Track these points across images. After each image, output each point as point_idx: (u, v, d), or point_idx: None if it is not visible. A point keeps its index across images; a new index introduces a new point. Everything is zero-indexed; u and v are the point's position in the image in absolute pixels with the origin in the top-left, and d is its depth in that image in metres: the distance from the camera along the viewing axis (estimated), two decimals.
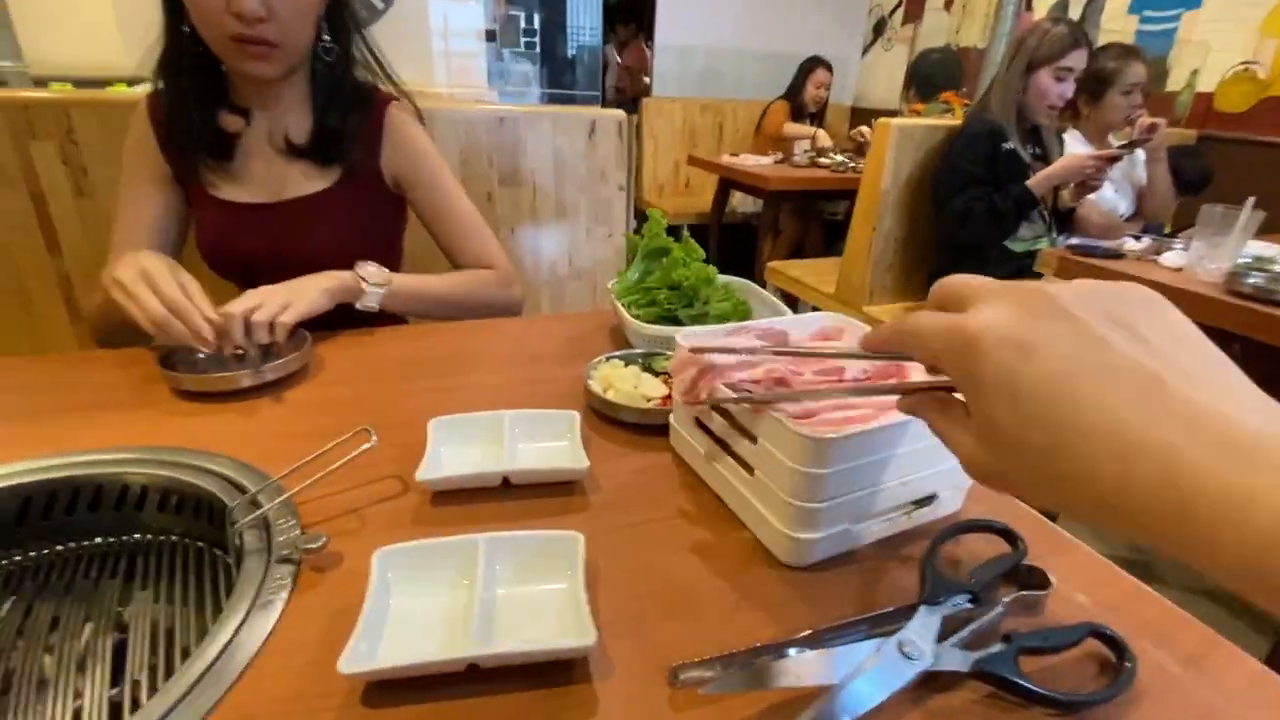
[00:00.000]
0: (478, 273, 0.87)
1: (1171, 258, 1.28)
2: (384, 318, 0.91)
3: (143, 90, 1.15)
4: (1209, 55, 2.31)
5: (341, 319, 0.82)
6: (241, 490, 0.43)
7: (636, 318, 0.69)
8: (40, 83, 1.77)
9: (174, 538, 0.47)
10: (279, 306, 0.64)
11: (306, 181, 0.80)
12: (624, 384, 0.57)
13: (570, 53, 4.89)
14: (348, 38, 0.80)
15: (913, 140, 1.80)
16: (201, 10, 0.68)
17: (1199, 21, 2.34)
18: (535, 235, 1.37)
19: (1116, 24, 2.62)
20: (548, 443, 0.52)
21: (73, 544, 0.46)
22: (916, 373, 0.45)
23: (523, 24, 4.91)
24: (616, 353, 0.63)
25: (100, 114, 1.03)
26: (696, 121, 3.81)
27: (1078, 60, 1.63)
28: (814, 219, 3.39)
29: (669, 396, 0.56)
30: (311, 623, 0.34)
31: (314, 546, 0.38)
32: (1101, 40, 2.54)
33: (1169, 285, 1.18)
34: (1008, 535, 0.41)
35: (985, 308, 0.24)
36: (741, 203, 3.38)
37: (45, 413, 0.57)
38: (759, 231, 2.79)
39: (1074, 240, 1.84)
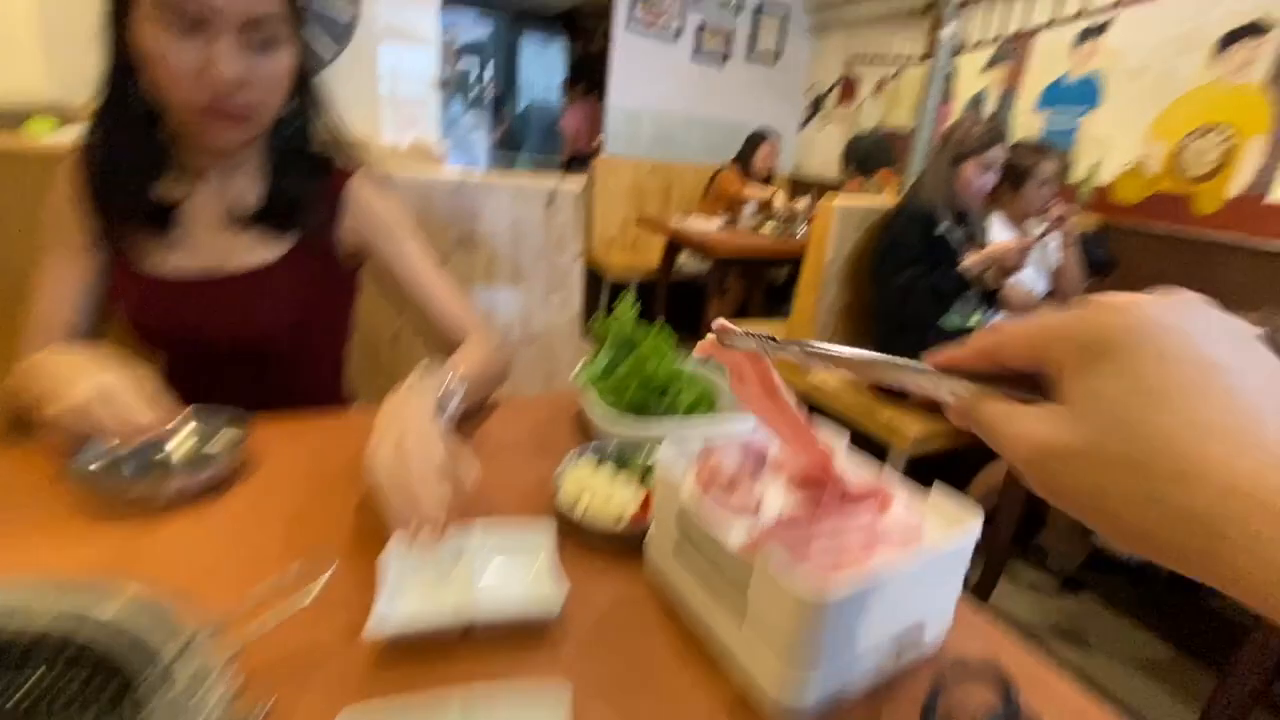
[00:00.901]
0: (481, 343, 0.78)
1: None
2: (321, 396, 0.85)
3: (62, 139, 1.07)
4: (1106, 151, 2.58)
5: (276, 395, 0.76)
6: (167, 634, 0.37)
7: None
8: (16, 116, 1.63)
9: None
10: (438, 491, 0.48)
11: (254, 253, 0.74)
12: (597, 494, 0.54)
13: (521, 109, 4.97)
14: (312, 107, 0.76)
15: (853, 219, 1.90)
16: (170, 76, 0.62)
17: (1097, 121, 2.62)
18: (489, 300, 1.34)
19: (1026, 120, 2.89)
20: (519, 568, 0.48)
21: None
22: (900, 506, 0.45)
23: (473, 78, 4.97)
24: (589, 447, 0.60)
25: (12, 164, 0.94)
26: (645, 182, 3.91)
27: (998, 154, 1.78)
28: (757, 281, 3.51)
29: (646, 503, 0.53)
30: None
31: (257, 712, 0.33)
32: (1014, 133, 2.79)
33: None
34: (1001, 682, 0.40)
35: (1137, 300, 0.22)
36: (688, 261, 3.46)
37: None
38: (706, 292, 2.85)
39: (1000, 317, 1.96)
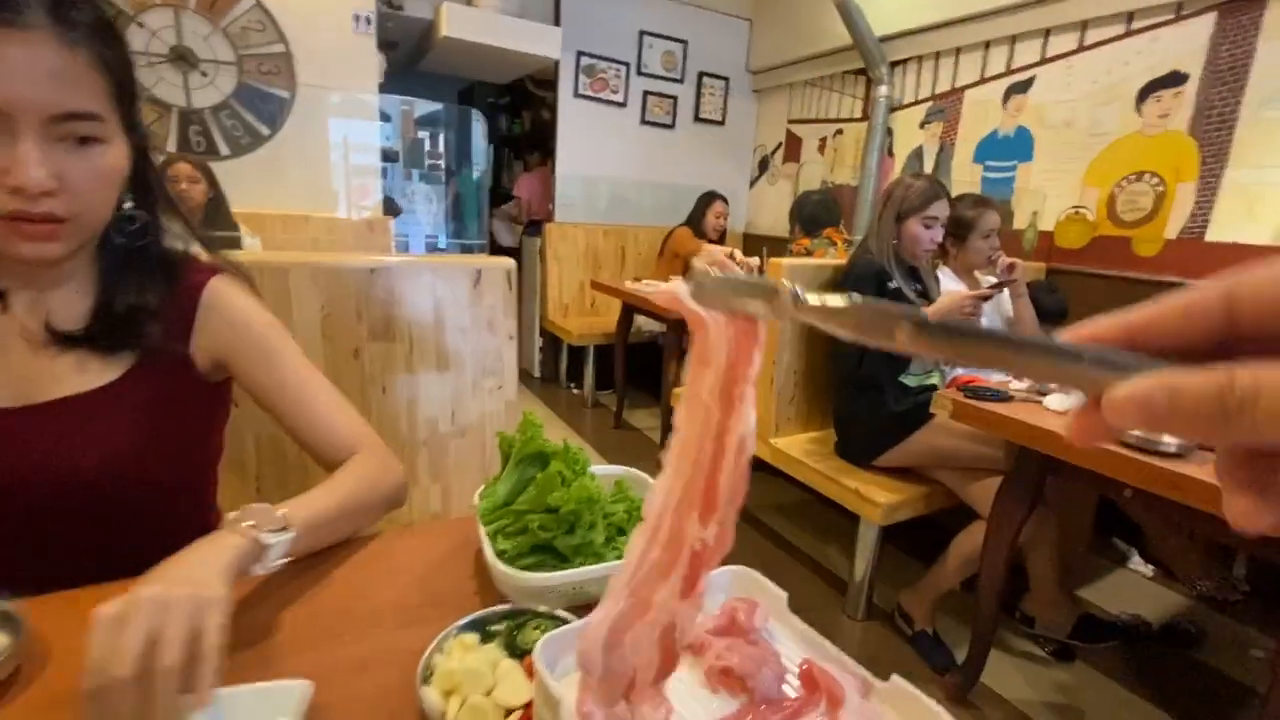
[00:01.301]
0: (359, 465, 0.69)
1: (1054, 401, 1.32)
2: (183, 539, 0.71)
3: None
4: (1045, 200, 2.63)
5: (123, 549, 0.62)
6: None
7: (503, 553, 0.56)
8: None
9: None
10: (185, 638, 0.41)
11: (78, 377, 0.62)
12: (475, 685, 0.42)
13: (475, 177, 4.97)
14: (155, 205, 0.66)
15: (804, 278, 1.86)
16: None
17: (1033, 171, 2.68)
18: (411, 390, 1.22)
19: (964, 173, 2.95)
20: None
21: None
22: (852, 709, 0.34)
23: (427, 147, 4.98)
24: (471, 619, 0.48)
25: None
26: (600, 245, 3.89)
27: (940, 209, 1.77)
28: None
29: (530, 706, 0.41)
30: None
31: None
32: (953, 187, 2.85)
33: (1057, 432, 1.20)
34: None
35: None
36: (647, 323, 3.40)
37: None
38: (664, 354, 2.78)
39: (959, 371, 1.92)
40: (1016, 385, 1.45)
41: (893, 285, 1.76)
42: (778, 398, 1.91)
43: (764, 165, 4.26)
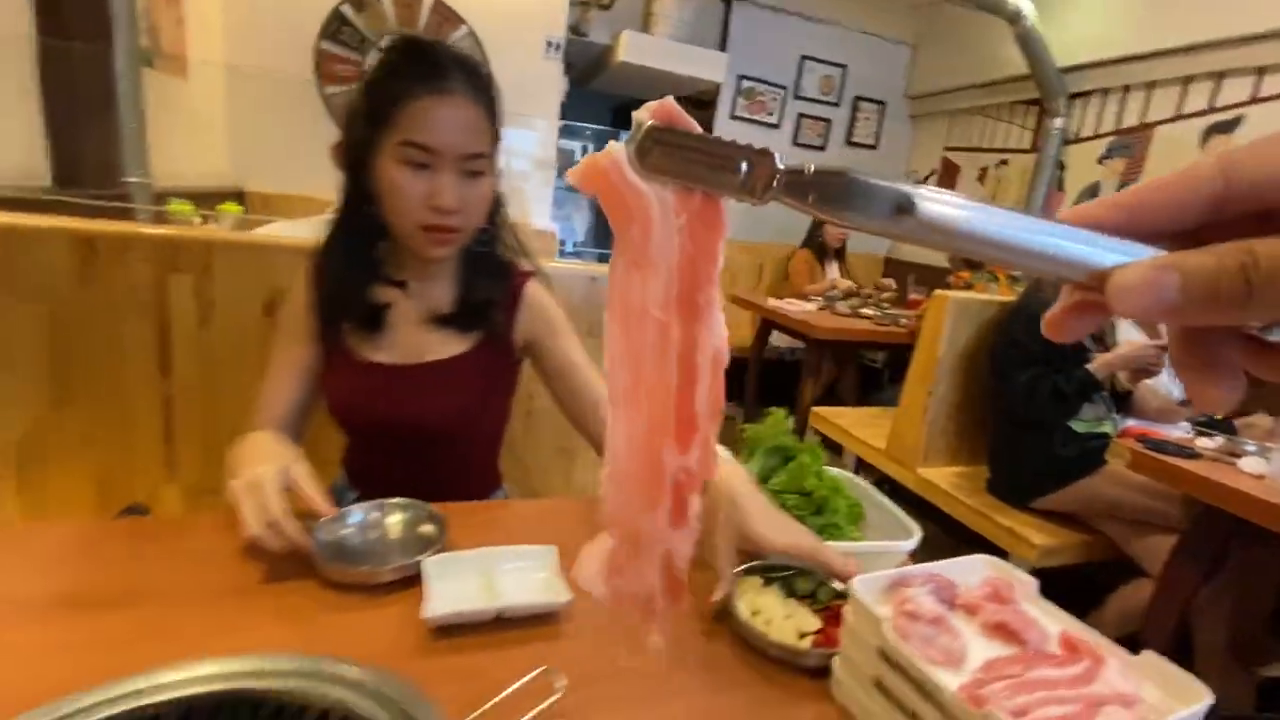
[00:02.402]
0: None
1: (1251, 464, 1.27)
2: (481, 479, 0.93)
3: (276, 231, 1.25)
4: None
5: (446, 478, 0.83)
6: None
7: None
8: (161, 196, 1.93)
9: None
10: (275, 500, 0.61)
11: (444, 346, 0.84)
12: (774, 614, 0.56)
13: None
14: (500, 222, 0.87)
15: (968, 313, 1.87)
16: (401, 200, 0.74)
17: None
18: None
19: None
20: (529, 576, 0.60)
21: None
22: (1114, 671, 0.44)
23: (576, 157, 5.33)
24: (754, 566, 0.62)
25: (238, 254, 1.11)
26: (737, 259, 4.01)
27: None
28: (850, 362, 3.46)
29: (824, 631, 0.54)
30: None
31: None
32: None
33: (1252, 494, 1.17)
34: None
35: None
36: (777, 339, 3.47)
37: (194, 597, 0.57)
38: (801, 373, 2.84)
39: (1131, 422, 1.84)
40: (1204, 443, 1.40)
41: None
42: (929, 428, 1.93)
43: None
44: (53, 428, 1.09)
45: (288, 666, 0.47)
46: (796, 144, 4.01)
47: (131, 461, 1.15)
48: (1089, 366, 1.64)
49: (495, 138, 0.80)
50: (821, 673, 0.52)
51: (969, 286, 2.53)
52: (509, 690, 0.43)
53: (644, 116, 0.21)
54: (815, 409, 2.50)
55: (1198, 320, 0.17)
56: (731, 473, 0.63)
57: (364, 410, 0.83)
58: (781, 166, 0.20)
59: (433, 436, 0.84)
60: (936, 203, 0.19)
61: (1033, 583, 0.53)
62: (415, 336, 0.83)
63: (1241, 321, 0.18)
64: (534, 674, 0.44)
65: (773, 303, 2.99)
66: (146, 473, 1.15)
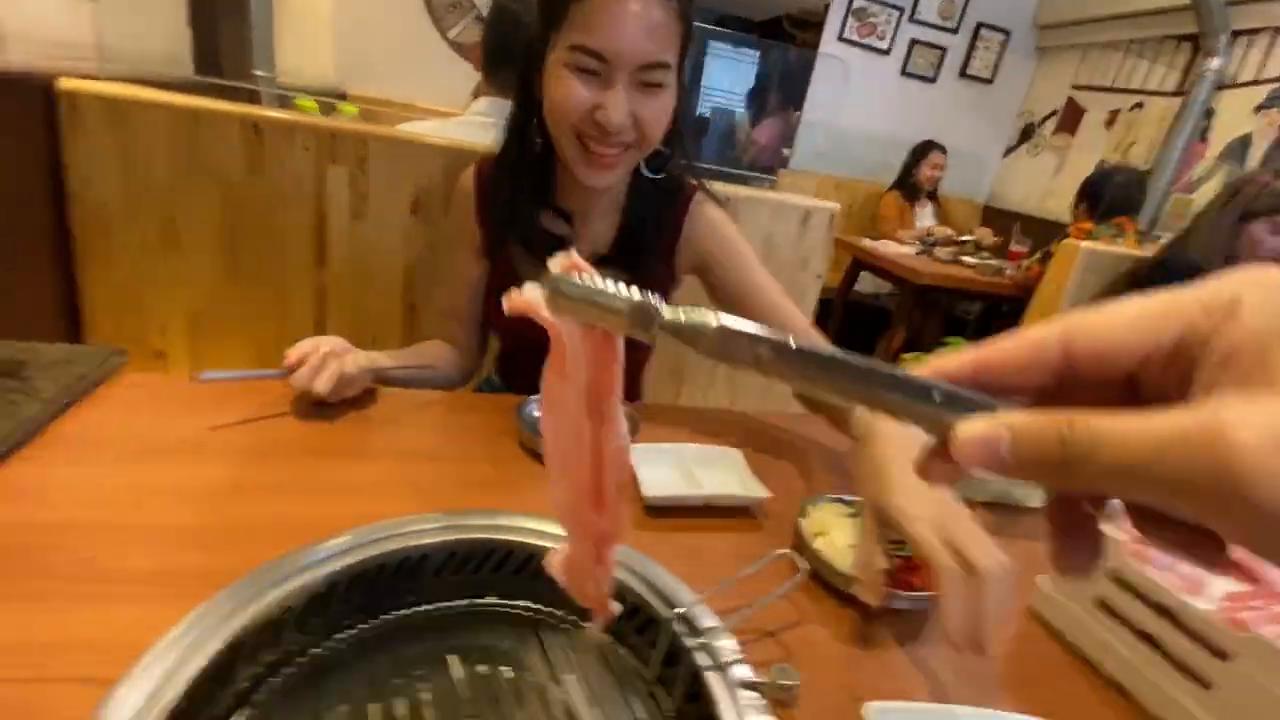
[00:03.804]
0: None
1: None
2: (628, 395, 0.96)
3: (424, 127, 1.27)
4: None
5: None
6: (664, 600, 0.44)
7: None
8: (285, 95, 1.97)
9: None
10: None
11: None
12: (841, 536, 0.54)
13: (702, 113, 5.04)
14: (678, 145, 0.80)
15: (1099, 265, 1.76)
16: (561, 113, 0.68)
17: None
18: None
19: None
20: (724, 472, 0.64)
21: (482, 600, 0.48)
22: None
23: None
24: (843, 496, 0.60)
25: (391, 149, 1.13)
26: (830, 198, 3.84)
27: None
28: (937, 311, 3.34)
29: (905, 572, 0.51)
30: None
31: (788, 684, 0.39)
32: None
33: None
34: None
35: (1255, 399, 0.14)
36: (860, 282, 3.36)
37: (429, 459, 0.63)
38: (891, 319, 2.77)
39: None
40: None
41: None
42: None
43: (1027, 133, 3.88)
44: (221, 304, 1.17)
45: (523, 523, 0.50)
46: (905, 74, 3.74)
47: (285, 345, 1.23)
48: None
49: (684, 43, 0.70)
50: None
51: (1090, 238, 2.37)
52: (753, 568, 0.46)
53: (554, 266, 0.25)
54: (907, 358, 2.44)
55: (1030, 481, 0.17)
56: (891, 434, 0.53)
57: (518, 334, 0.84)
58: (662, 316, 0.22)
59: None
60: (793, 353, 0.20)
61: None
62: None
63: (1066, 489, 0.19)
64: (774, 555, 0.46)
65: (868, 243, 2.88)
66: None
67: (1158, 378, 0.17)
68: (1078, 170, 3.27)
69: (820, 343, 0.21)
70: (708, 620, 0.42)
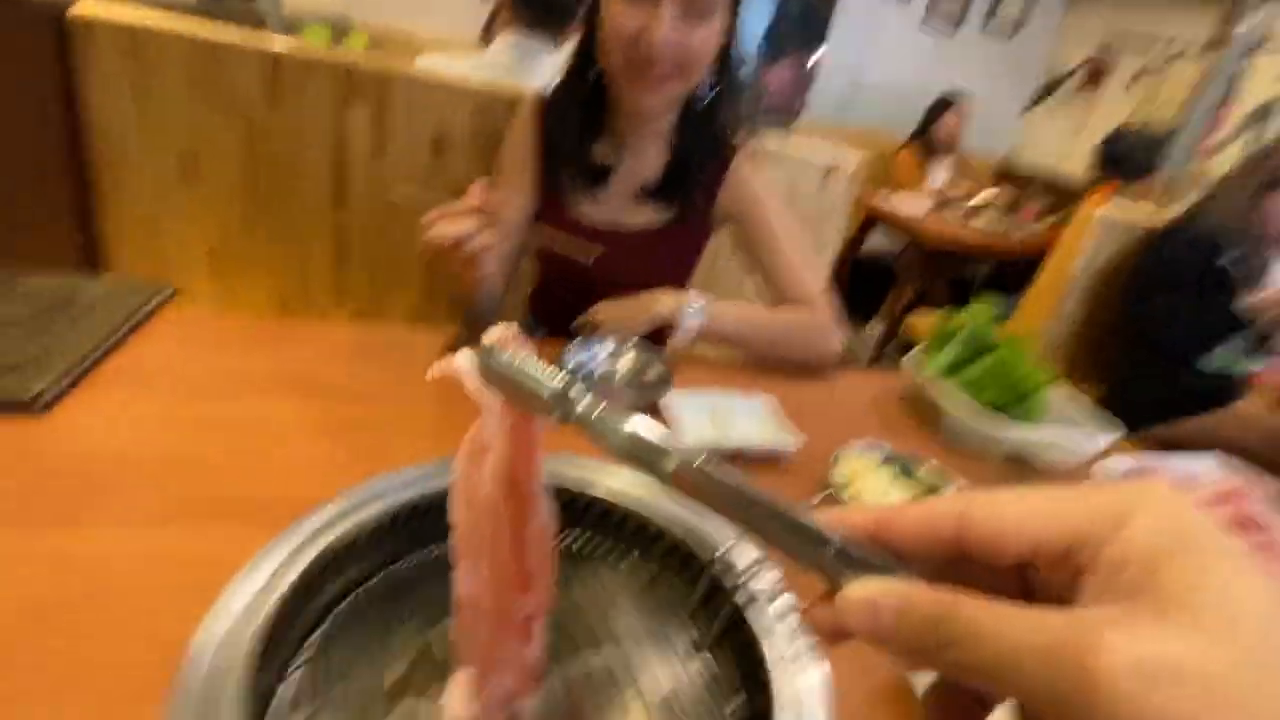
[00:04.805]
0: (793, 311, 0.84)
1: None
2: None
3: (443, 63, 1.23)
4: None
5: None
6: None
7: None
8: (291, 23, 1.90)
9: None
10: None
11: (644, 217, 0.84)
12: (872, 485, 0.57)
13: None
14: (727, 85, 0.81)
15: (1116, 231, 1.75)
16: (611, 35, 0.71)
17: None
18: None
19: None
20: (754, 421, 0.65)
21: None
22: None
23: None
24: (878, 445, 0.63)
25: (412, 87, 1.11)
26: (844, 150, 3.76)
27: None
28: (945, 273, 3.32)
29: None
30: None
31: None
32: None
33: None
34: None
35: (1121, 622, 0.14)
36: (881, 240, 3.32)
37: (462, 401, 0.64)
38: (897, 279, 2.76)
39: (1267, 365, 1.76)
40: None
41: (1221, 261, 1.61)
42: (1045, 348, 1.88)
43: (1050, 89, 3.78)
44: (240, 244, 1.17)
45: (569, 464, 0.52)
46: (926, 22, 3.60)
47: (306, 285, 1.23)
48: (1241, 303, 1.55)
49: None
50: None
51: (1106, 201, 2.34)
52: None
53: (490, 338, 0.24)
54: (912, 317, 2.46)
55: (902, 658, 0.17)
56: None
57: (563, 264, 0.85)
58: (578, 411, 0.22)
59: (625, 296, 0.87)
60: (699, 474, 0.20)
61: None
62: (617, 202, 0.84)
63: (938, 671, 0.17)
64: (822, 495, 0.49)
65: (881, 198, 2.84)
66: (319, 297, 1.24)
67: (1048, 573, 0.17)
68: (1099, 131, 3.20)
69: (731, 473, 0.20)
70: (748, 556, 0.45)
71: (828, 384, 0.85)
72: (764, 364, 0.83)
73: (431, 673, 0.38)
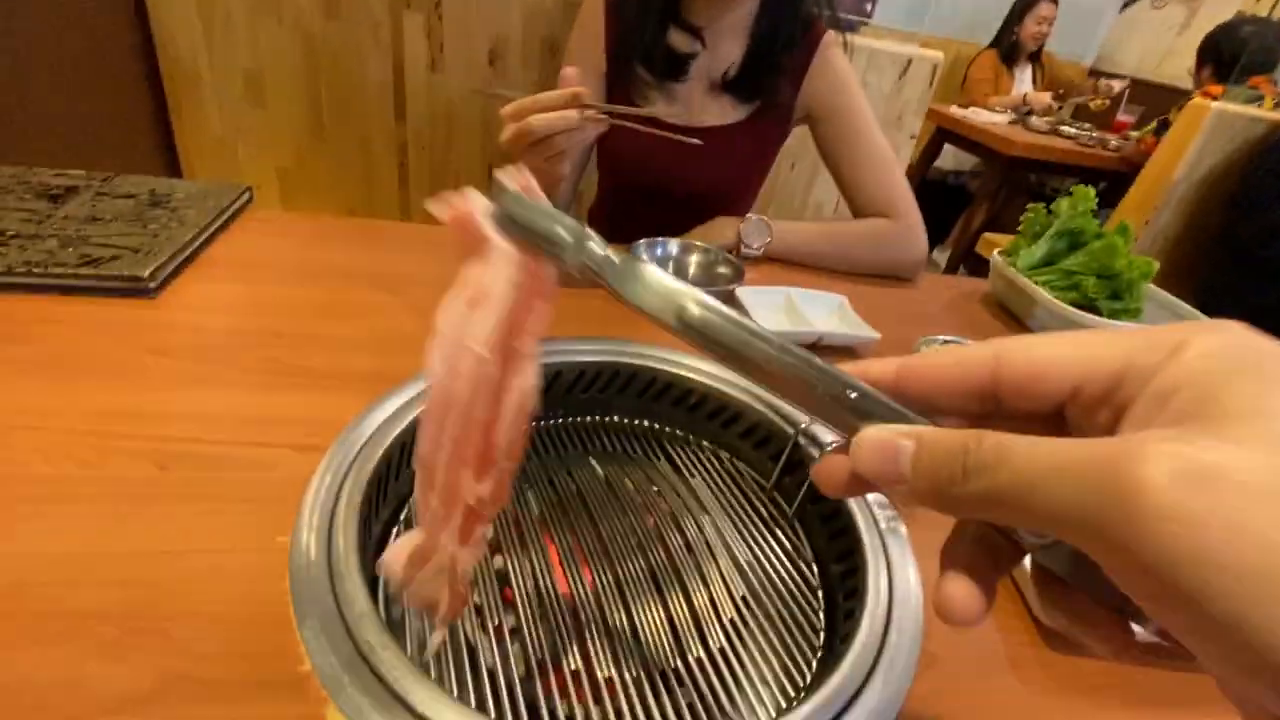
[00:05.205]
0: (871, 223, 0.80)
1: None
2: None
3: None
4: None
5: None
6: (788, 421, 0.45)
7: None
8: None
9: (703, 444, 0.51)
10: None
11: (721, 112, 0.81)
12: None
13: None
14: None
15: (1230, 130, 1.58)
16: None
17: None
18: (812, 172, 1.34)
19: None
20: (830, 315, 0.64)
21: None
22: None
23: None
24: (960, 339, 0.59)
25: None
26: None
27: None
28: (1022, 190, 3.10)
29: None
30: None
31: None
32: None
33: None
34: None
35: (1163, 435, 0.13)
36: (956, 157, 3.11)
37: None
38: (974, 197, 2.59)
39: None
40: None
41: None
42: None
43: None
44: (310, 161, 1.19)
45: (641, 350, 0.52)
46: None
47: (373, 202, 1.25)
48: None
49: None
50: None
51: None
52: None
53: (507, 181, 0.22)
54: (988, 235, 2.31)
55: (919, 501, 0.16)
56: None
57: (632, 163, 0.83)
58: (599, 253, 0.21)
59: (696, 200, 0.84)
60: (709, 312, 0.19)
61: None
62: (700, 96, 0.80)
63: (958, 514, 0.16)
64: None
65: (956, 110, 2.64)
66: (385, 212, 1.26)
67: (1088, 414, 0.16)
68: (1208, 26, 2.85)
69: (749, 320, 0.19)
70: (829, 435, 0.44)
71: (904, 286, 0.81)
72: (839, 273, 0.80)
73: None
